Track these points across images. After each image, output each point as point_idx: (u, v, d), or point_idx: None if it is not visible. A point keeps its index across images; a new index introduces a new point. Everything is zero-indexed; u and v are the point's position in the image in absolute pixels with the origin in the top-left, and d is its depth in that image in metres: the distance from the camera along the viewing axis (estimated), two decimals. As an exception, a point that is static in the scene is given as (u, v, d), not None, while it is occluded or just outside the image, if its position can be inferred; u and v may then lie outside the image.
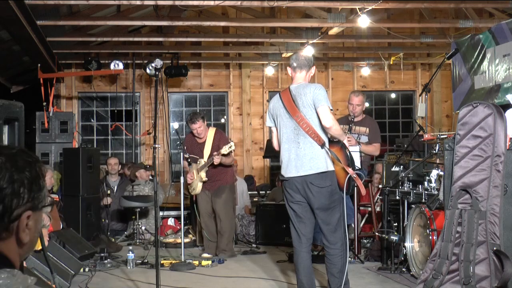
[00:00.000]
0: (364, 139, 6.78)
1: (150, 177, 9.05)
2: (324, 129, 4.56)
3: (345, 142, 4.72)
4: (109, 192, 8.59)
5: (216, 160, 6.81)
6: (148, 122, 11.10)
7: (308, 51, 9.15)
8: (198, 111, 11.28)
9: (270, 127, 4.88)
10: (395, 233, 5.83)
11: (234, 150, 6.97)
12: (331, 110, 4.55)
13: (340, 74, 11.61)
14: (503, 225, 4.27)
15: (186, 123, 7.25)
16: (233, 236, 7.34)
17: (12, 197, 1.43)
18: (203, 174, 6.98)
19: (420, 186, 5.67)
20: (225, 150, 6.75)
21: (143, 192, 8.56)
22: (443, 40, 9.67)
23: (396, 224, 6.22)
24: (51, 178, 7.48)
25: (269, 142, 6.19)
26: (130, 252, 6.46)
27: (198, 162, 7.04)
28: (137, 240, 8.01)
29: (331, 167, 4.55)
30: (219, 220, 7.07)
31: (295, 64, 4.70)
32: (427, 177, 5.60)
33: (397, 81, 11.60)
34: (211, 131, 7.13)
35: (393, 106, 11.92)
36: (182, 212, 6.85)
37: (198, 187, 7.07)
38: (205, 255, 7.04)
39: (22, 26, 6.84)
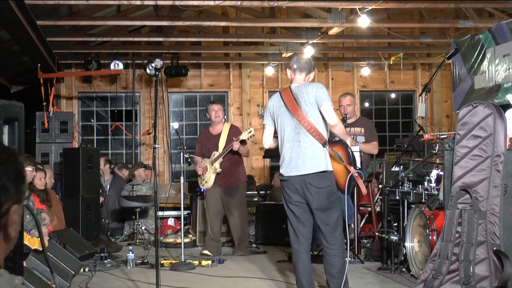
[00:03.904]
0: (361, 139, 6.78)
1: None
2: (326, 127, 4.56)
3: (348, 141, 4.71)
4: (101, 191, 8.57)
5: (235, 146, 6.81)
6: (148, 122, 11.09)
7: (308, 51, 9.15)
8: (198, 111, 11.36)
9: (264, 124, 4.88)
10: (395, 233, 5.83)
11: (253, 135, 6.99)
12: (334, 108, 4.57)
13: (340, 74, 11.61)
14: (503, 225, 4.27)
15: (206, 109, 7.36)
16: (247, 234, 7.50)
17: (0, 192, 1.37)
18: (217, 165, 7.01)
19: (420, 186, 5.67)
20: (244, 135, 6.77)
21: (141, 191, 8.56)
22: (443, 40, 9.67)
23: (396, 224, 6.22)
24: (51, 178, 7.47)
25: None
26: (130, 252, 6.46)
27: (213, 154, 7.07)
28: (137, 240, 8.01)
29: (330, 167, 4.55)
30: (233, 220, 7.14)
31: (295, 66, 4.71)
32: (427, 177, 5.60)
33: (397, 81, 11.59)
34: (227, 125, 7.23)
35: (393, 106, 11.92)
36: (182, 212, 6.85)
37: (210, 180, 7.08)
38: (206, 252, 7.05)
39: (22, 26, 6.84)
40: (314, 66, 4.82)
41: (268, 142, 4.83)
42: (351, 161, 4.62)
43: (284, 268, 6.22)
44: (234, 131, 7.15)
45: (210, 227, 7.18)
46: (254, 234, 8.19)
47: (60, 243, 6.07)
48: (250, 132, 6.78)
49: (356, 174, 4.52)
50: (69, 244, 6.27)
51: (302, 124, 4.52)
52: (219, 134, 7.14)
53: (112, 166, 9.55)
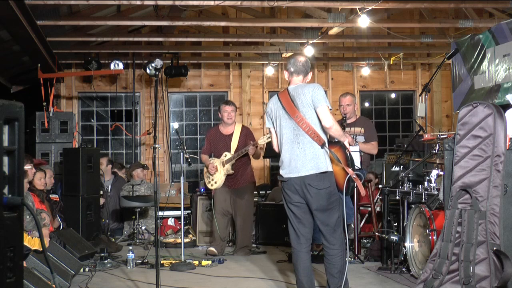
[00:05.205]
0: (361, 139, 6.78)
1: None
2: (324, 128, 4.55)
3: (346, 143, 4.71)
4: (101, 192, 8.57)
5: (252, 150, 6.86)
6: (148, 122, 11.10)
7: (308, 51, 9.15)
8: (198, 111, 11.37)
9: (269, 128, 4.88)
10: (395, 233, 5.83)
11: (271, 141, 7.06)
12: (330, 109, 4.55)
13: (340, 74, 11.61)
14: (503, 225, 4.27)
15: (218, 108, 7.33)
16: (251, 236, 7.53)
17: None
18: (229, 167, 7.04)
19: (420, 186, 5.67)
20: (263, 140, 6.78)
21: (139, 192, 8.57)
22: (443, 40, 9.67)
23: (396, 224, 6.22)
24: (51, 178, 7.48)
25: (269, 142, 6.24)
26: (130, 252, 6.46)
27: (224, 155, 7.08)
28: (137, 240, 8.02)
29: (330, 168, 4.55)
30: (239, 220, 7.17)
31: (292, 69, 4.69)
32: (427, 177, 5.60)
33: (397, 81, 11.60)
34: (238, 126, 7.23)
35: (393, 106, 11.93)
36: (182, 212, 6.85)
37: (220, 181, 7.11)
38: (212, 249, 7.07)
39: (22, 26, 6.84)
40: (311, 67, 4.79)
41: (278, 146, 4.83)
42: (349, 162, 4.62)
43: (284, 268, 6.22)
44: (247, 133, 7.18)
45: (218, 225, 7.19)
46: (254, 234, 8.19)
47: (60, 243, 6.07)
48: (269, 138, 6.68)
49: (354, 176, 4.52)
50: (69, 244, 6.27)
51: (300, 126, 4.51)
52: (231, 135, 7.14)
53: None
